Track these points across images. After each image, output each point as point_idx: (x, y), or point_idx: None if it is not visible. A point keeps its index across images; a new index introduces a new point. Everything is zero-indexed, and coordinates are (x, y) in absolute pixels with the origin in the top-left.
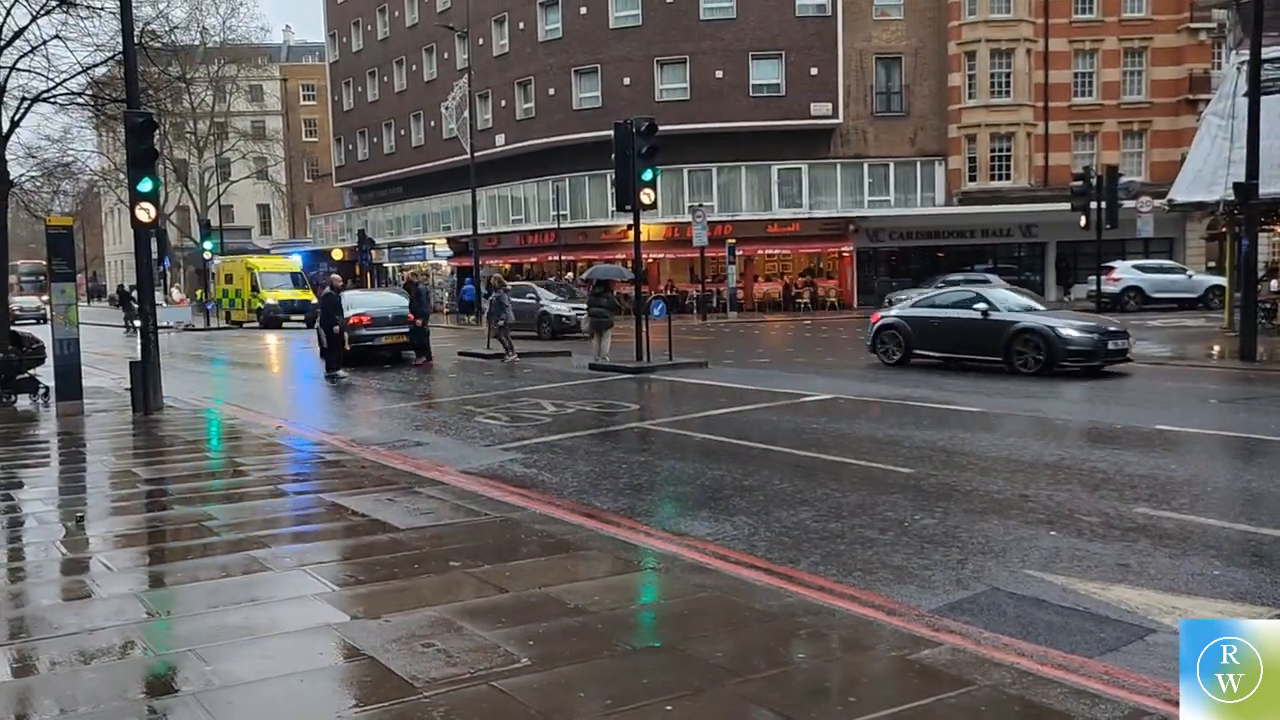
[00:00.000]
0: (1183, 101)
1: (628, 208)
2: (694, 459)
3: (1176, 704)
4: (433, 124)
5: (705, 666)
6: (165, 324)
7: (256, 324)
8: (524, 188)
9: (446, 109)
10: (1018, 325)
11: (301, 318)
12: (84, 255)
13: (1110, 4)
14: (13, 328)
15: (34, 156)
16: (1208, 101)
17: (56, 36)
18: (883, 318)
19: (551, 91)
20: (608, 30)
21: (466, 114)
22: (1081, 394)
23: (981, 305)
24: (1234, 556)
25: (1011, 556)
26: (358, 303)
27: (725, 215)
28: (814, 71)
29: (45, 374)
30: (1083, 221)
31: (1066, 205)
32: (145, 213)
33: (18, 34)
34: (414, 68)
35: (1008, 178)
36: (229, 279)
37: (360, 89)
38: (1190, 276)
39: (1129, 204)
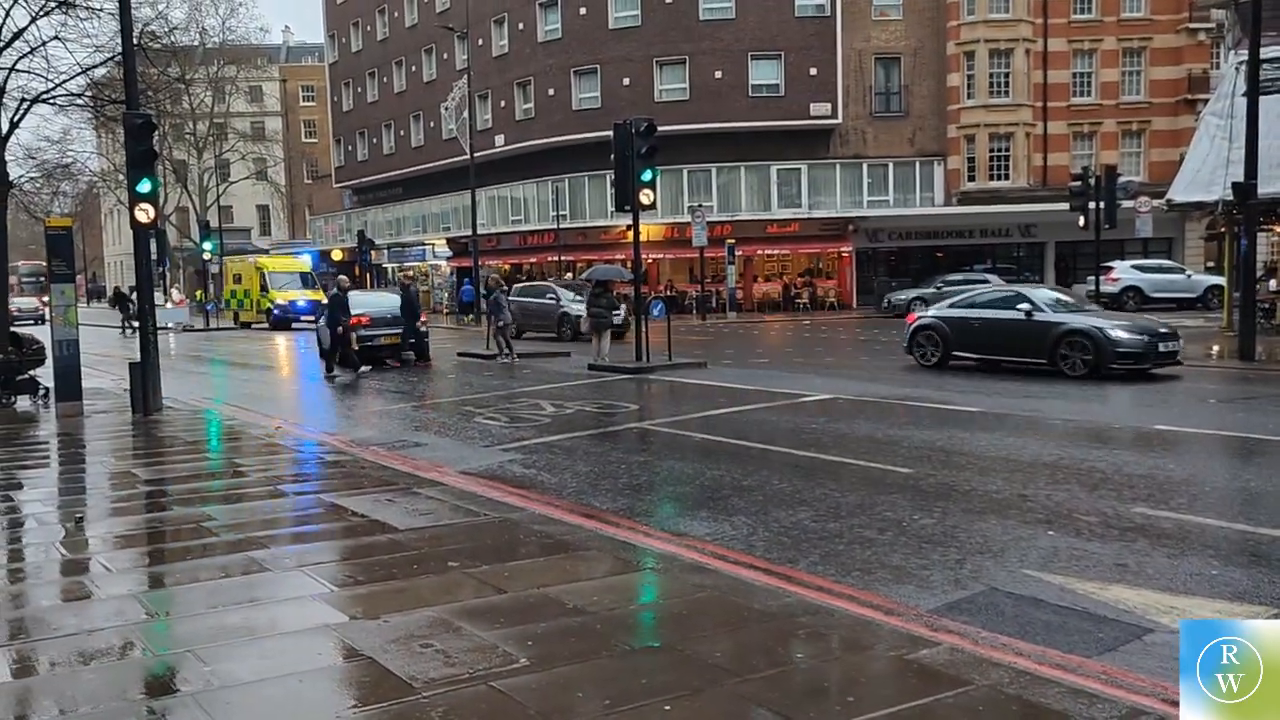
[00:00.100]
0: (1181, 101)
1: (627, 208)
2: (693, 459)
3: (1174, 704)
4: (432, 124)
5: (704, 666)
6: (163, 325)
7: (266, 325)
8: (523, 188)
9: (446, 109)
10: (1064, 327)
11: (312, 319)
12: (83, 256)
13: (1109, 4)
14: (12, 329)
15: (33, 157)
16: (1206, 101)
17: (56, 38)
18: (919, 318)
19: (551, 92)
20: (607, 31)
21: (466, 114)
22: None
23: (1025, 305)
24: (1232, 556)
25: (1010, 556)
26: (358, 303)
27: (724, 215)
28: (813, 72)
29: (45, 375)
30: (1081, 221)
31: (1065, 205)
32: (144, 214)
33: (17, 35)
34: (413, 68)
35: (1007, 178)
36: (237, 279)
37: (360, 90)
38: (1189, 276)
39: (1128, 204)
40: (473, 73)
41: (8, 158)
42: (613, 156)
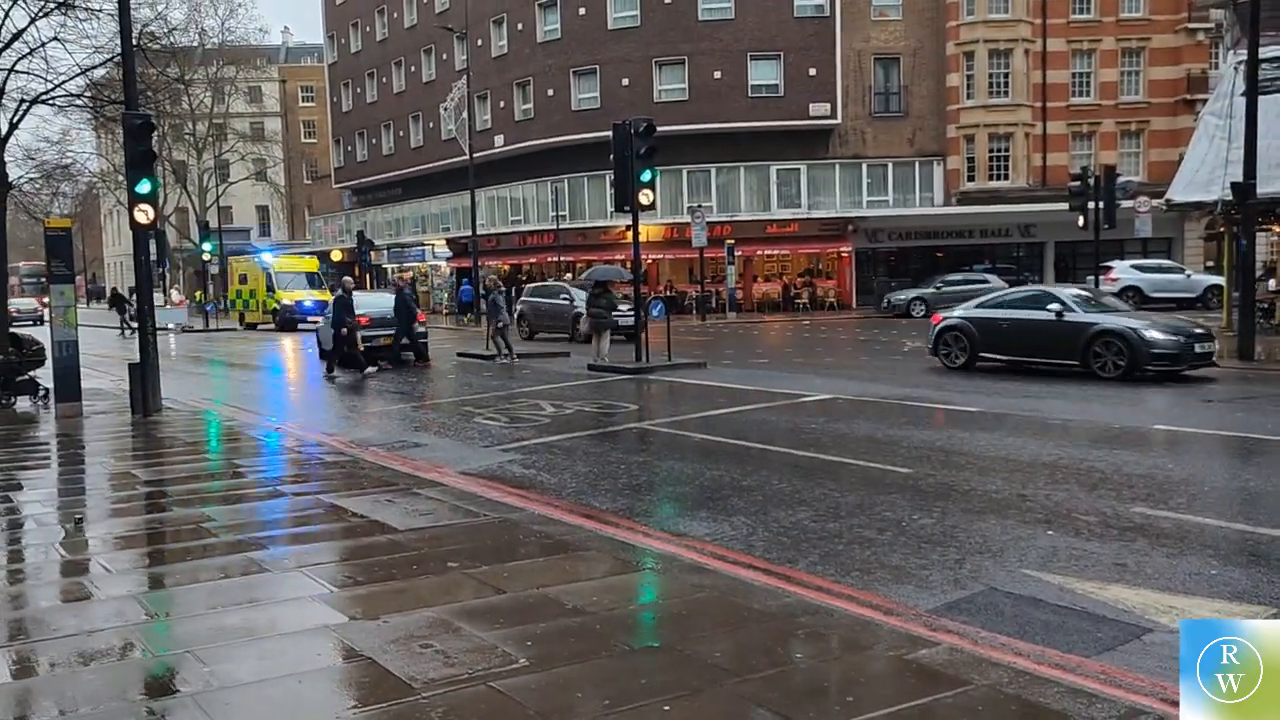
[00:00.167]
0: (1180, 101)
1: (626, 208)
2: (692, 459)
3: (1173, 703)
4: (431, 125)
5: (703, 666)
6: (162, 326)
7: (272, 326)
8: (523, 188)
9: (445, 110)
10: (1097, 327)
11: (319, 320)
12: (83, 257)
13: (1108, 4)
14: (11, 330)
15: (33, 158)
16: (1205, 101)
17: (55, 38)
18: (945, 319)
19: (550, 92)
20: (606, 31)
21: (465, 115)
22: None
23: (1055, 306)
24: (1231, 556)
25: (1009, 556)
26: (358, 304)
27: (724, 216)
28: (812, 72)
29: (45, 376)
30: (1081, 221)
31: (1064, 205)
32: (144, 214)
33: (16, 36)
34: (412, 69)
35: (1006, 178)
36: (243, 279)
37: (359, 90)
38: (1188, 276)
39: (1127, 204)
40: (472, 73)
41: (7, 158)
42: (612, 157)
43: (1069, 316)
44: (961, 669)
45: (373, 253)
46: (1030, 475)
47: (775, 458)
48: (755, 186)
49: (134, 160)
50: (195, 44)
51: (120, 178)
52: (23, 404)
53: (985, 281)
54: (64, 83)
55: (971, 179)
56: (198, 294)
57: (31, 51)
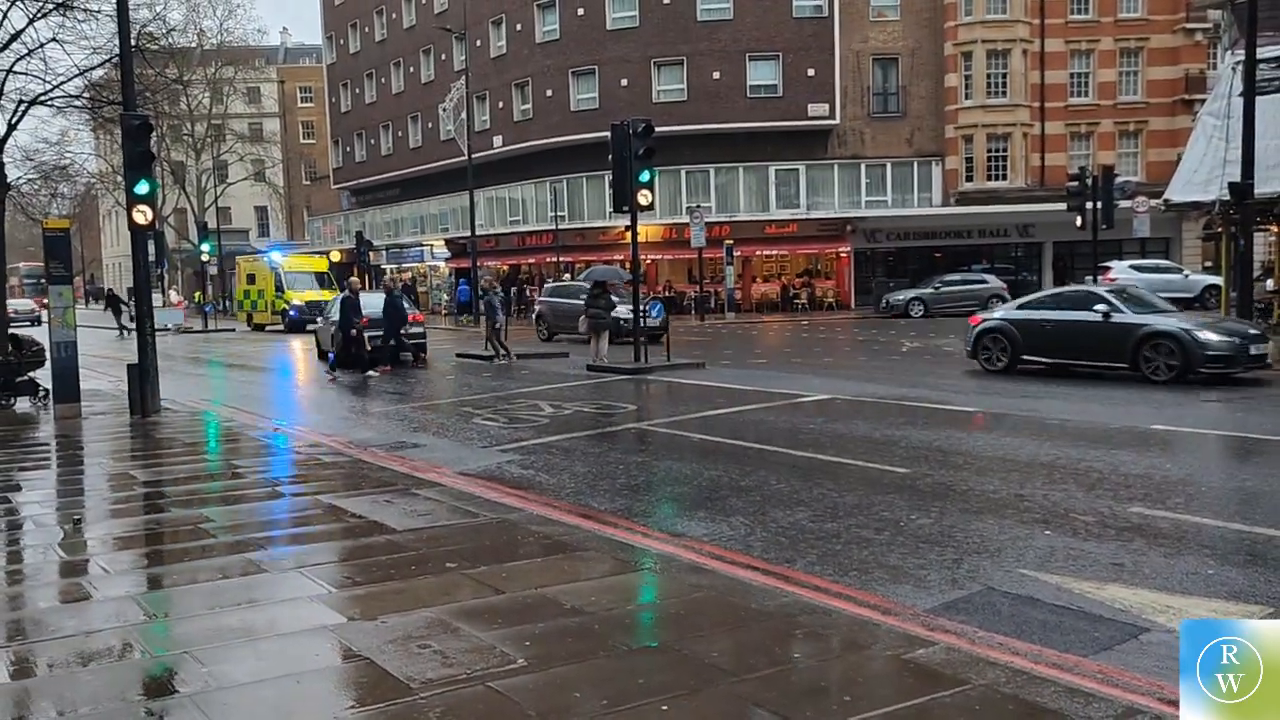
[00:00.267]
0: (1178, 101)
1: (625, 209)
2: (691, 460)
3: (1171, 703)
4: (430, 125)
5: (701, 666)
6: (161, 327)
7: (281, 327)
8: (522, 189)
9: (444, 110)
10: (1148, 329)
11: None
12: (81, 258)
13: (1106, 4)
14: (11, 331)
15: (31, 159)
16: (1203, 101)
17: (54, 39)
18: (984, 320)
19: (549, 93)
20: (605, 31)
21: (464, 115)
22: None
23: (1102, 306)
24: (1228, 556)
25: (1006, 556)
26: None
27: (723, 216)
28: (811, 72)
29: (44, 376)
30: (1079, 222)
31: (1063, 205)
32: (142, 215)
33: (14, 36)
34: (411, 69)
35: (1004, 178)
36: (251, 279)
37: (358, 91)
38: (1186, 276)
39: (1125, 204)
40: (471, 74)
41: (5, 159)
42: (611, 157)
43: (1117, 317)
44: (959, 668)
45: (371, 253)
46: (1029, 475)
47: (773, 458)
48: (754, 187)
49: (132, 161)
50: (194, 45)
51: (119, 178)
52: (22, 405)
53: (984, 282)
54: (62, 84)
55: (970, 179)
56: (196, 294)
57: (30, 52)
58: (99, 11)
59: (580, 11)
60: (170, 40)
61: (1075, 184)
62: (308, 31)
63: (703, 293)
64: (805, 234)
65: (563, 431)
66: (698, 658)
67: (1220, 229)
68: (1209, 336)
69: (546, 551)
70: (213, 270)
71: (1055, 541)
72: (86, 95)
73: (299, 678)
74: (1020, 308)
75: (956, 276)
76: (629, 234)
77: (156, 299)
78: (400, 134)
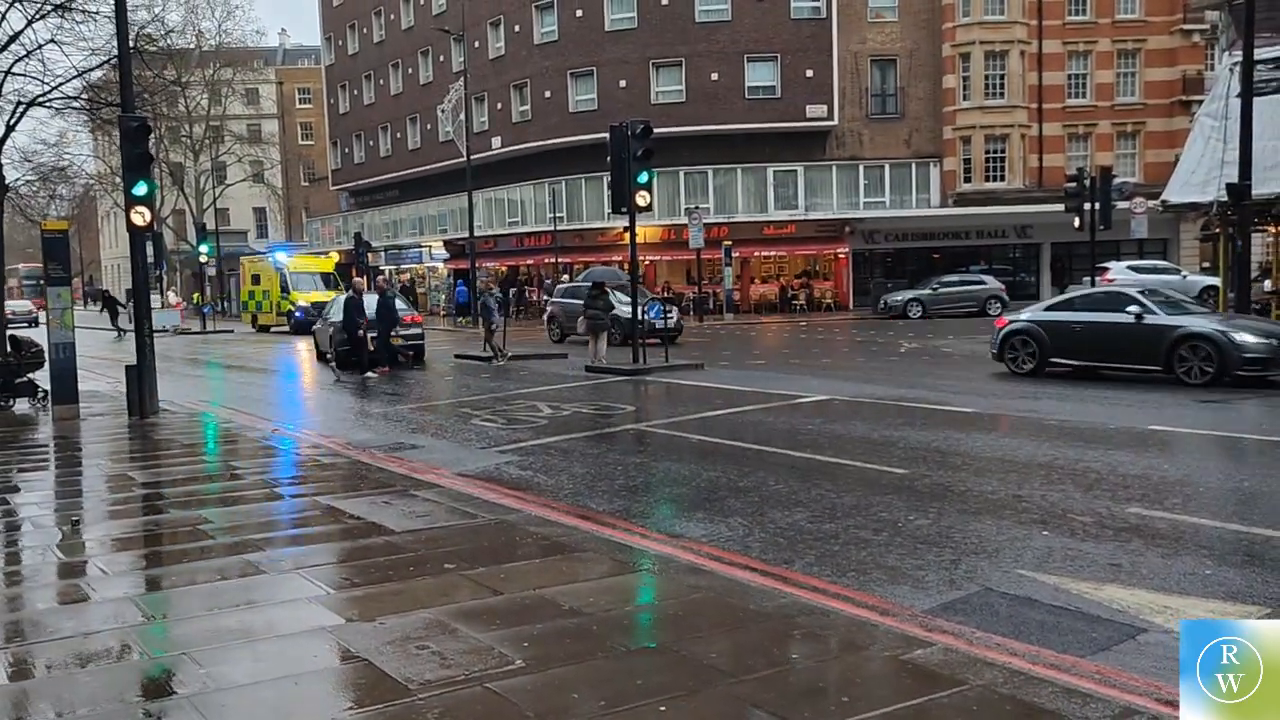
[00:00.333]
0: (1176, 103)
1: (624, 210)
2: (689, 460)
3: (1168, 703)
4: (429, 127)
5: (700, 667)
6: (159, 328)
7: (287, 328)
8: (520, 190)
9: (442, 112)
10: (1182, 330)
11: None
12: (80, 259)
13: (1104, 6)
14: (11, 332)
15: (30, 160)
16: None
17: (52, 41)
18: (1011, 322)
19: (547, 94)
20: (603, 33)
21: (462, 117)
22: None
23: (1134, 308)
24: (1226, 556)
25: (1004, 556)
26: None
27: (721, 217)
28: (809, 74)
29: (43, 378)
30: (1077, 223)
31: (1060, 206)
32: (140, 216)
33: (13, 38)
34: (410, 71)
35: (1002, 179)
36: (255, 279)
37: (356, 92)
38: (1185, 277)
39: (1123, 205)
40: (469, 75)
41: (4, 161)
42: (609, 159)
43: (1150, 319)
44: (957, 669)
45: (370, 254)
46: (1026, 475)
47: (772, 459)
48: (752, 188)
49: (131, 162)
50: (192, 46)
51: (117, 180)
52: (21, 406)
53: (982, 283)
54: (61, 85)
55: (968, 180)
56: (195, 296)
57: (28, 54)
58: (97, 13)
59: (578, 13)
60: (169, 42)
61: (1073, 185)
62: (306, 33)
63: (701, 294)
64: (803, 235)
65: (561, 432)
66: (696, 659)
67: (1218, 230)
68: (1246, 338)
69: (545, 552)
70: (211, 271)
71: (1053, 542)
72: (85, 97)
73: (297, 679)
74: (1048, 309)
75: (954, 277)
76: (628, 235)
77: (155, 300)
78: (399, 135)
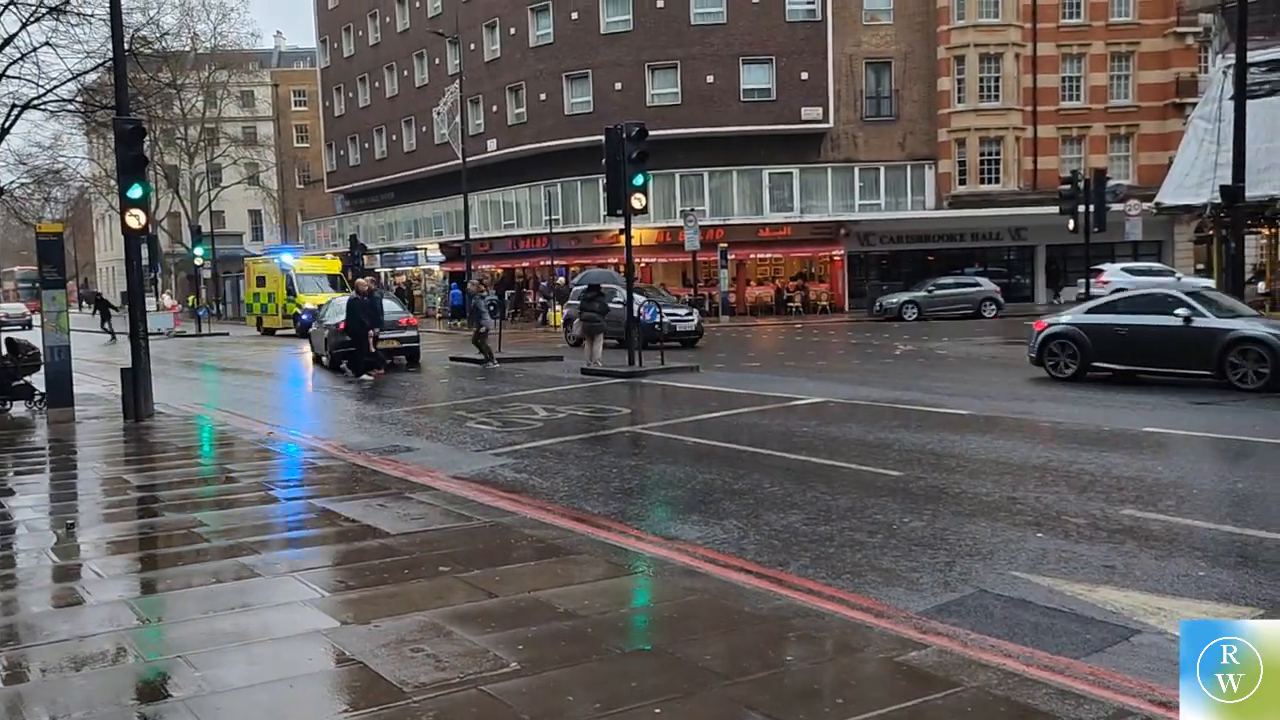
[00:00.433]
0: (1170, 105)
1: (619, 212)
2: (685, 463)
3: (1162, 704)
4: (424, 129)
5: (695, 669)
6: (154, 331)
7: (292, 331)
8: (516, 192)
9: (438, 114)
10: (1234, 334)
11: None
12: (75, 262)
13: (1097, 9)
14: (7, 335)
15: (24, 163)
16: (1194, 105)
17: (47, 43)
18: (1050, 325)
19: (543, 96)
20: (598, 35)
21: (458, 119)
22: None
23: (1183, 310)
24: (1220, 557)
25: (999, 558)
26: (341, 308)
27: (717, 219)
28: (804, 76)
29: (39, 381)
30: (1071, 225)
31: (1055, 208)
32: (135, 219)
33: (8, 40)
34: (405, 73)
35: (997, 181)
36: (260, 281)
37: (351, 94)
38: (1179, 279)
39: (1117, 207)
40: (464, 77)
41: None
42: (604, 161)
43: (1199, 322)
44: (951, 670)
45: (366, 257)
46: (1021, 477)
47: (767, 461)
48: (748, 190)
49: (125, 165)
50: (187, 48)
51: (112, 182)
52: (18, 409)
53: (977, 285)
54: (56, 87)
55: (963, 182)
56: (190, 298)
57: (23, 56)
58: (92, 15)
59: (574, 15)
60: (164, 44)
61: (1067, 187)
62: (301, 35)
63: (697, 296)
64: (799, 237)
65: (556, 435)
66: (691, 661)
67: (1212, 232)
68: None
69: (540, 555)
70: (206, 274)
71: (1047, 544)
72: (80, 99)
73: (292, 682)
74: (1089, 312)
75: (950, 280)
76: (623, 237)
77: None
78: (394, 137)
